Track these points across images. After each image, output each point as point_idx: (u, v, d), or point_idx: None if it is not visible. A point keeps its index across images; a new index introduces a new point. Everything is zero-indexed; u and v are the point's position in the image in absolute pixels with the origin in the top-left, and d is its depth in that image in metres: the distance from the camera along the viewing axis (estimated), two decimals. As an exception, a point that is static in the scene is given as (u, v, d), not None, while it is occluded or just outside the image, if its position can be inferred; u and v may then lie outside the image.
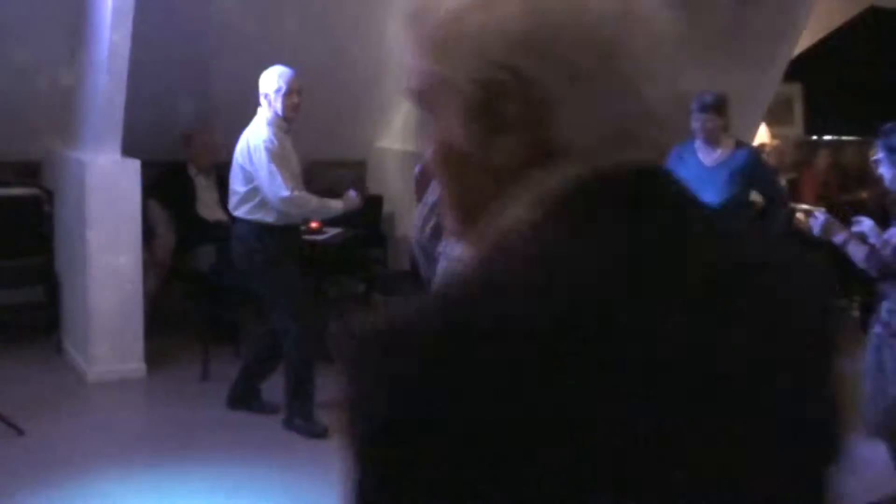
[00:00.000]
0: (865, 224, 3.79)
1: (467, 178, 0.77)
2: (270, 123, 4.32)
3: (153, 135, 5.61)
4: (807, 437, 0.79)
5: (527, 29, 0.72)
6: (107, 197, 5.11)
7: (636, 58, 0.74)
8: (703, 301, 0.72)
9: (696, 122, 4.87)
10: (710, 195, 4.83)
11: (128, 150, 5.20)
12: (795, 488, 0.79)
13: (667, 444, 0.68)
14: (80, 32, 5.26)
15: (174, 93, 5.83)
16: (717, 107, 4.84)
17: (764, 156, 8.19)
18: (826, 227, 3.67)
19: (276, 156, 4.26)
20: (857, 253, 3.55)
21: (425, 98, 0.78)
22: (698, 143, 4.94)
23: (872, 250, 3.49)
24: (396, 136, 6.88)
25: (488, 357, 0.64)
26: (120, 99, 5.02)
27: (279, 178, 4.25)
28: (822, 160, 8.87)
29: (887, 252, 3.46)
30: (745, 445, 0.72)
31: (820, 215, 3.74)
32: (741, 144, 5.05)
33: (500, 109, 0.73)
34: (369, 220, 6.43)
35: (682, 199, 0.78)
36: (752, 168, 4.90)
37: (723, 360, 0.71)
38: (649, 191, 0.75)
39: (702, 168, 4.89)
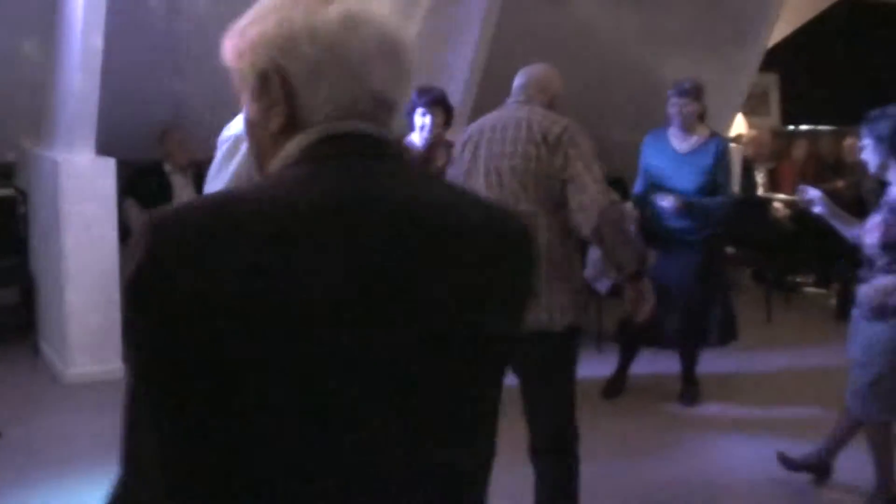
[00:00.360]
0: (812, 193, 3.81)
1: (259, 139, 1.12)
2: None
3: (128, 133, 5.57)
4: (461, 346, 1.08)
5: (280, 36, 1.06)
6: (82, 196, 5.07)
7: (358, 54, 1.06)
8: (368, 234, 1.01)
9: (672, 107, 4.88)
10: (684, 181, 4.84)
11: (102, 148, 5.16)
12: (459, 384, 1.09)
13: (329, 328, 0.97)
14: (52, 31, 5.22)
15: (148, 90, 5.78)
16: (695, 93, 4.86)
17: (742, 146, 8.24)
18: (880, 291, 3.52)
19: (233, 155, 4.17)
20: None
21: (237, 87, 1.14)
22: (672, 130, 4.95)
23: None
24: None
25: (214, 244, 0.95)
26: (93, 97, 4.98)
27: (218, 178, 4.16)
28: (799, 150, 8.92)
29: None
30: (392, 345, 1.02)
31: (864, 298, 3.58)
32: (715, 134, 5.07)
33: (269, 92, 1.08)
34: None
35: (383, 158, 1.09)
36: (717, 157, 4.89)
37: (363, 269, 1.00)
38: (359, 151, 1.07)
39: (675, 155, 4.90)
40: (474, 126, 3.24)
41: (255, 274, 0.94)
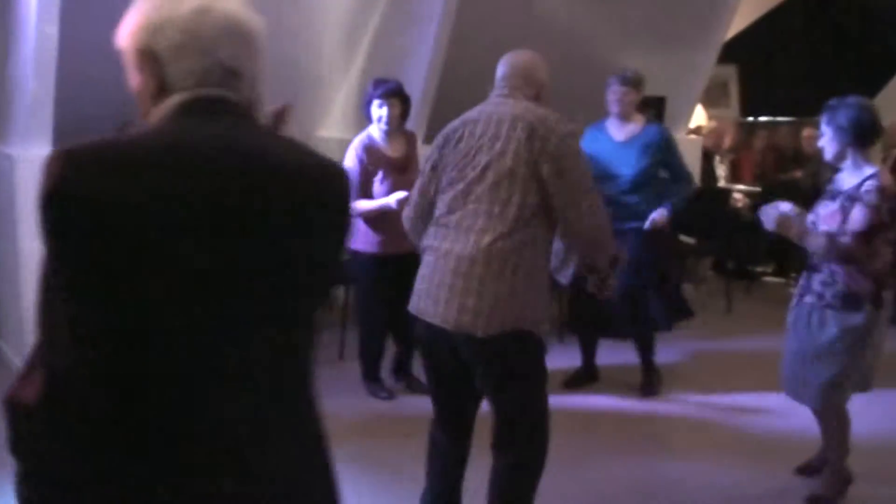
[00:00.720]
0: (785, 207, 3.80)
1: (143, 100, 1.50)
2: None
3: (85, 127, 5.45)
4: (292, 269, 1.44)
5: (150, 22, 1.44)
6: (38, 192, 4.98)
7: (208, 35, 1.44)
8: (216, 168, 1.38)
9: (612, 95, 4.97)
10: (623, 168, 4.92)
11: (60, 142, 5.08)
12: (284, 299, 1.44)
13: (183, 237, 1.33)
14: (4, 20, 5.13)
15: (106, 80, 5.69)
16: (636, 82, 4.95)
17: (702, 138, 8.31)
18: (780, 223, 3.56)
19: None
20: (816, 244, 3.51)
21: (127, 63, 1.49)
22: (610, 121, 5.06)
23: (831, 240, 3.48)
24: (336, 124, 6.83)
25: (106, 169, 1.31)
26: (49, 89, 4.90)
27: None
28: (759, 141, 9.01)
29: (847, 239, 3.45)
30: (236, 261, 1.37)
31: (770, 210, 3.59)
32: (651, 121, 5.16)
33: (145, 65, 1.46)
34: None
35: (230, 114, 1.46)
36: (662, 145, 4.97)
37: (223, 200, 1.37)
38: (212, 109, 1.44)
39: (614, 144, 4.99)
40: (456, 121, 3.08)
41: (140, 189, 1.29)
